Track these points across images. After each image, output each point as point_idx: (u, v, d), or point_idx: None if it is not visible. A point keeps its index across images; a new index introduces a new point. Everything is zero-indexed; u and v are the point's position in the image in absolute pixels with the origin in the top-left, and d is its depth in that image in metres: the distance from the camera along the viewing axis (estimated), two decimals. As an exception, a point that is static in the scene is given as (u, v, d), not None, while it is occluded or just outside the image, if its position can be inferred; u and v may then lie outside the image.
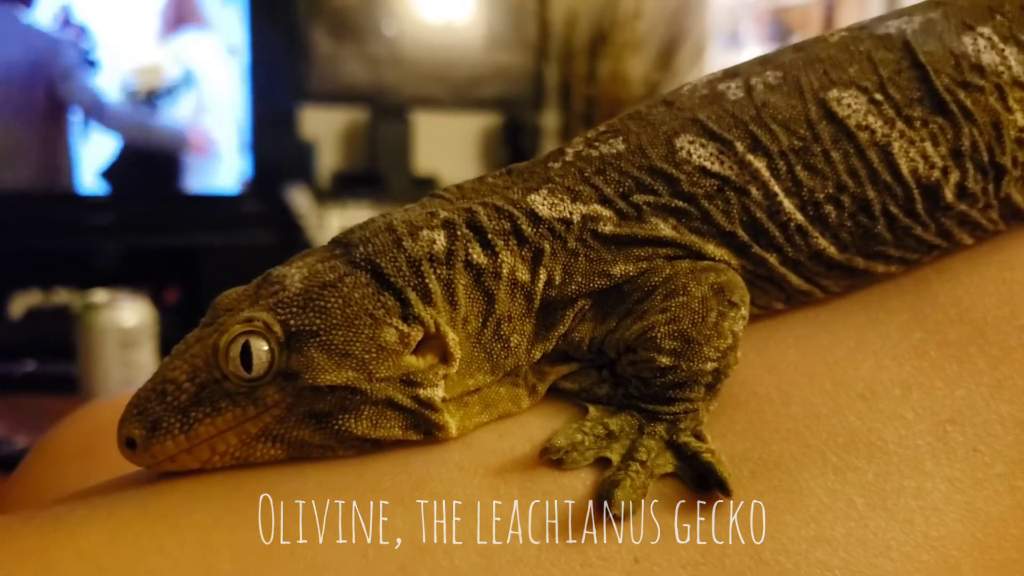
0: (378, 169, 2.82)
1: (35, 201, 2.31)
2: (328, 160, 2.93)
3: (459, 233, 0.29)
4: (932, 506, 0.29)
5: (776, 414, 0.30)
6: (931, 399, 0.30)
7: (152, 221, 2.47)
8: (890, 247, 0.31)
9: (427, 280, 0.29)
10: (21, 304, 1.81)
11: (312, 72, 2.89)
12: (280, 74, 2.70)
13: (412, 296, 0.28)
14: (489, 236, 0.30)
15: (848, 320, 0.32)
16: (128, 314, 1.23)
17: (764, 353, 0.31)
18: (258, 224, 2.54)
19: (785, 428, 0.30)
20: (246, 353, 0.28)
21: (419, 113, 2.98)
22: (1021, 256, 0.32)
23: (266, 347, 0.28)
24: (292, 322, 0.28)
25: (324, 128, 2.92)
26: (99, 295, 1.30)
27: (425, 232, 0.29)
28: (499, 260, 0.29)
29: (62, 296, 1.89)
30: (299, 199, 2.57)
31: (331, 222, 2.64)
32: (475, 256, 0.29)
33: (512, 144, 3.02)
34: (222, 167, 2.37)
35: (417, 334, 0.28)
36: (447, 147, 3.02)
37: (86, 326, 1.17)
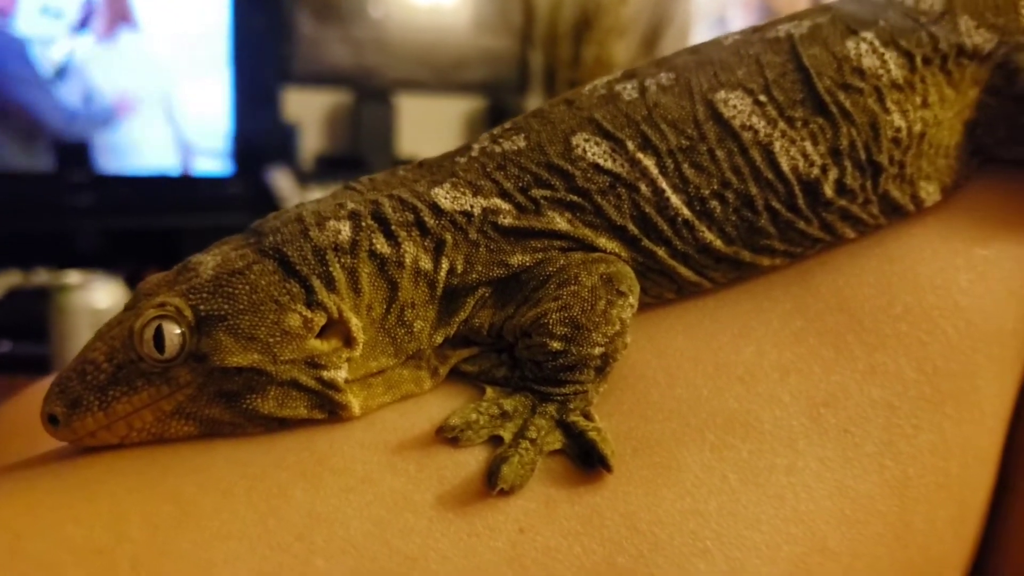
0: (361, 152, 2.83)
1: (16, 181, 2.31)
2: (311, 142, 2.94)
3: (364, 224, 0.31)
4: (803, 483, 0.31)
5: (661, 395, 0.32)
6: (807, 383, 0.32)
7: (134, 203, 2.48)
8: (775, 241, 0.33)
9: (331, 268, 0.30)
10: (1, 285, 1.82)
11: (296, 54, 2.89)
12: (263, 56, 2.71)
13: (316, 283, 0.30)
14: (393, 227, 0.31)
15: (734, 309, 0.34)
16: (101, 296, 1.25)
17: (654, 339, 0.33)
18: (240, 206, 2.55)
19: (668, 408, 0.32)
20: (159, 336, 0.29)
21: (403, 96, 2.98)
22: (900, 250, 0.34)
23: (178, 330, 0.30)
24: (202, 307, 0.30)
25: (307, 110, 2.92)
26: (72, 276, 1.31)
27: (332, 223, 0.31)
28: (402, 250, 0.31)
29: (42, 277, 1.90)
30: (281, 181, 2.58)
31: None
32: (379, 246, 0.31)
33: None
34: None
35: (320, 319, 0.30)
36: (431, 130, 3.03)
37: (59, 307, 1.19)
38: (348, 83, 2.93)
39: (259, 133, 2.65)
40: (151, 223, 2.47)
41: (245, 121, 2.61)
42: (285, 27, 2.84)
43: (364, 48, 2.98)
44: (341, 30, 2.94)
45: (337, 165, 2.82)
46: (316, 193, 2.59)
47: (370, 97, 2.91)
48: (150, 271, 0.33)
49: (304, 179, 2.65)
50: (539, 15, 3.19)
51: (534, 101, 3.18)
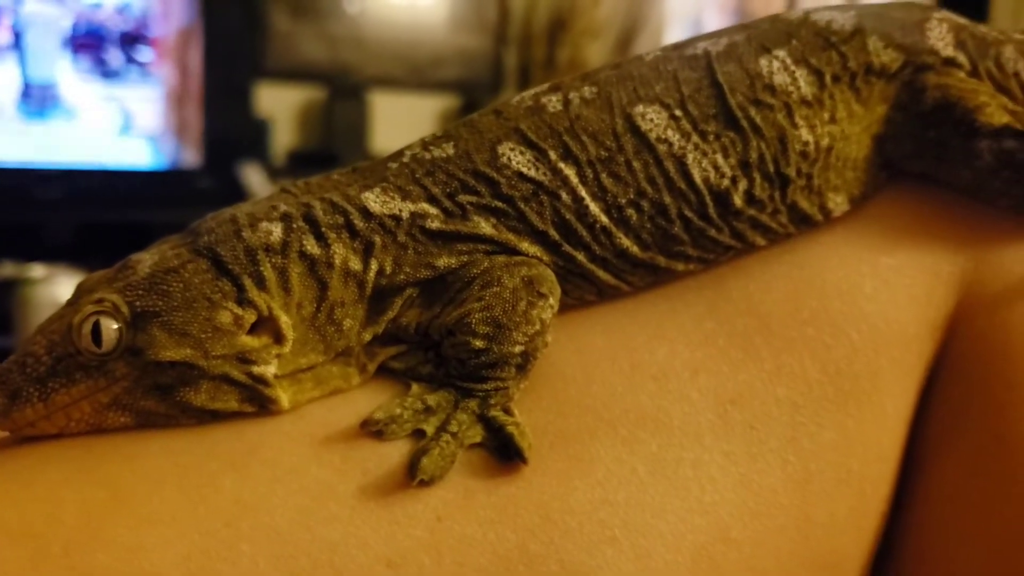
0: (334, 148, 2.83)
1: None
2: (284, 138, 2.93)
3: (295, 225, 0.33)
4: (708, 475, 0.33)
5: (579, 392, 0.34)
6: (716, 381, 0.34)
7: (104, 196, 2.47)
8: (688, 247, 0.35)
9: (262, 268, 0.32)
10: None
11: (269, 49, 2.89)
12: (236, 50, 2.71)
13: (247, 282, 0.32)
14: (323, 229, 0.33)
15: (651, 310, 0.36)
16: (65, 289, 1.25)
17: (574, 338, 0.35)
18: (211, 201, 2.54)
19: (584, 405, 0.33)
20: (97, 331, 0.31)
21: (377, 93, 2.99)
22: (809, 257, 0.36)
23: (115, 325, 0.31)
24: (138, 303, 0.31)
25: (280, 105, 2.92)
26: (37, 270, 1.32)
27: (264, 224, 0.33)
28: (332, 251, 0.33)
29: (8, 269, 1.90)
30: (252, 176, 2.58)
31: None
32: (309, 247, 0.33)
33: (469, 127, 3.05)
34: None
35: (250, 317, 0.32)
36: (404, 127, 3.03)
37: (23, 300, 1.19)
38: (322, 79, 2.93)
39: (231, 128, 2.65)
40: (120, 217, 2.46)
41: (217, 115, 2.61)
42: (259, 22, 2.83)
43: (338, 44, 2.98)
44: (316, 26, 2.94)
45: (309, 161, 2.81)
46: (287, 188, 2.60)
47: (343, 93, 2.91)
48: None
49: (276, 174, 2.65)
50: (514, 15, 3.20)
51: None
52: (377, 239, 0.33)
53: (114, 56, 2.68)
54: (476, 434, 0.32)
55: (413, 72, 3.09)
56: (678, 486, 0.32)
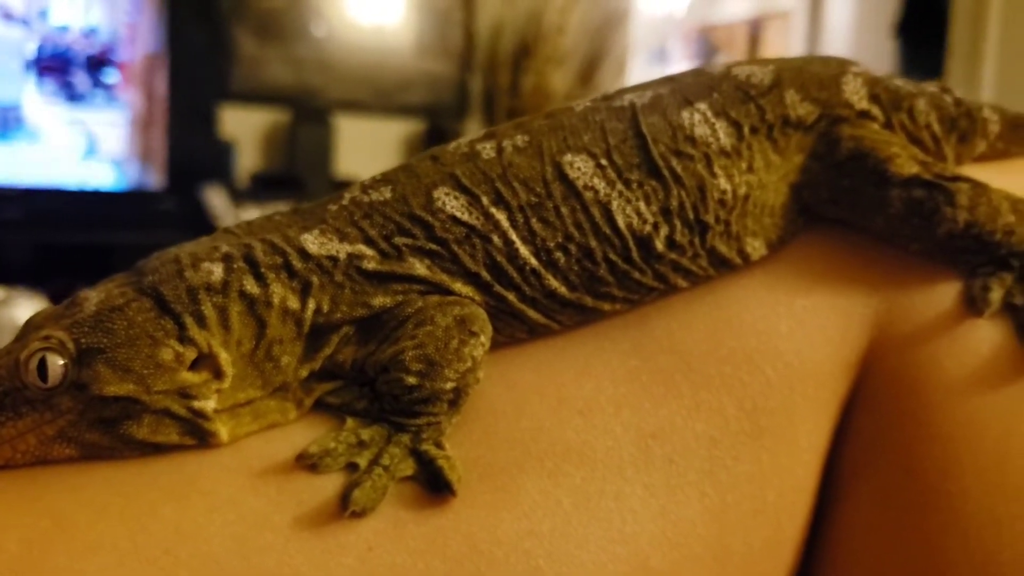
0: (297, 171, 2.84)
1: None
2: (248, 161, 2.94)
3: (235, 266, 0.34)
4: (629, 507, 0.34)
5: (508, 426, 0.35)
6: (638, 416, 0.36)
7: (65, 217, 2.46)
8: (614, 288, 0.37)
9: (203, 307, 0.33)
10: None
11: (235, 72, 2.89)
12: (202, 74, 2.71)
13: (188, 320, 0.33)
14: (262, 269, 0.34)
15: (579, 348, 0.37)
16: (23, 312, 1.25)
17: (506, 375, 0.37)
18: (173, 223, 2.55)
19: (513, 439, 0.35)
20: (43, 366, 0.32)
21: (341, 117, 3.00)
22: (729, 298, 0.38)
23: (61, 362, 0.32)
24: (83, 340, 0.32)
25: (244, 128, 2.92)
26: (-5, 292, 1.32)
27: (206, 264, 0.34)
28: (270, 290, 0.34)
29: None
30: (215, 199, 2.58)
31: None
32: (248, 286, 0.34)
33: (434, 151, 3.06)
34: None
35: (191, 354, 0.33)
36: (369, 151, 3.05)
37: (-22, 323, 1.19)
38: (286, 102, 2.94)
39: (195, 150, 2.66)
40: (84, 238, 2.45)
41: (181, 138, 2.62)
42: (224, 46, 2.84)
43: (304, 68, 2.99)
44: (281, 50, 2.95)
45: (273, 184, 2.82)
46: (251, 211, 2.59)
47: (308, 116, 2.92)
48: (80, 287, 0.36)
49: (239, 197, 2.65)
50: (479, 41, 3.23)
51: (473, 125, 3.22)
52: (315, 279, 0.35)
53: (80, 80, 2.68)
54: (408, 467, 0.33)
55: (378, 96, 3.11)
56: (600, 517, 0.34)
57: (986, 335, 0.37)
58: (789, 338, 0.37)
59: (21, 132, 2.59)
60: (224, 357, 0.33)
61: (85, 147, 2.67)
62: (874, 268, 0.39)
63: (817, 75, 0.40)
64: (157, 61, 2.66)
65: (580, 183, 0.36)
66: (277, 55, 2.96)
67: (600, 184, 0.36)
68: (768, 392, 0.36)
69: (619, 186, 0.36)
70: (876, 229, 0.38)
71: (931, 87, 0.42)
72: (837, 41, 4.74)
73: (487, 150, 0.37)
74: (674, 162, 0.37)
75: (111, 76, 2.71)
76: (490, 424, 0.35)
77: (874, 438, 0.37)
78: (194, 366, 0.33)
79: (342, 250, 0.35)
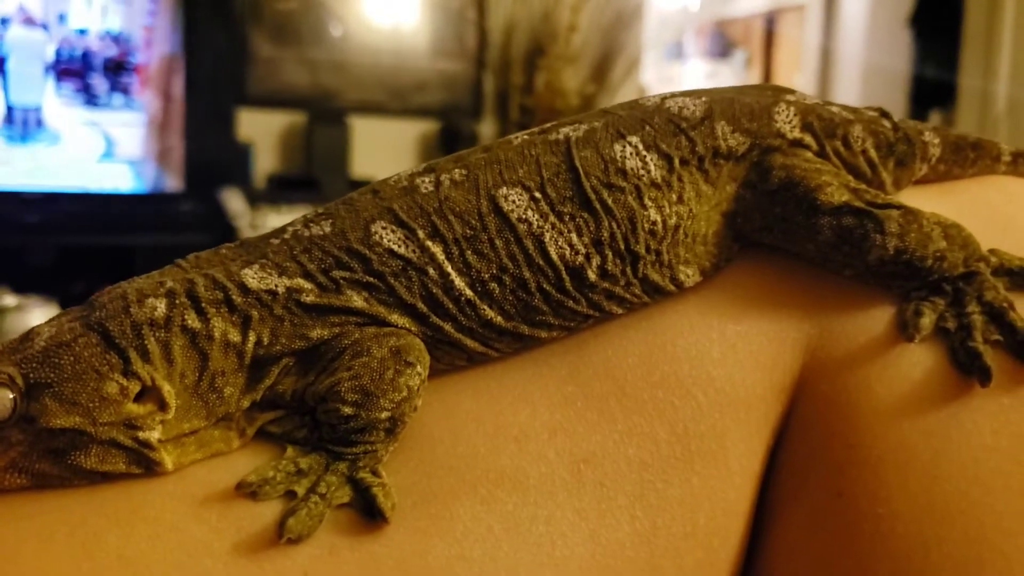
0: (314, 173, 2.86)
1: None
2: (265, 163, 2.96)
3: (178, 301, 0.36)
4: (559, 532, 0.35)
5: (444, 453, 0.36)
6: (571, 442, 0.37)
7: (83, 220, 2.50)
8: (549, 317, 0.38)
9: (146, 342, 0.35)
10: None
11: (251, 75, 2.92)
12: (218, 76, 2.74)
13: (133, 355, 0.35)
14: (203, 304, 0.36)
15: (517, 374, 0.39)
16: (37, 319, 1.28)
17: (444, 401, 0.38)
18: (191, 225, 2.58)
19: (449, 465, 0.36)
20: None
21: (357, 118, 3.01)
22: (663, 325, 0.39)
23: (11, 395, 0.34)
24: (32, 375, 0.34)
25: (261, 131, 2.95)
26: (8, 299, 1.34)
27: (150, 300, 0.36)
28: (211, 325, 0.36)
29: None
30: (233, 201, 2.61)
31: (266, 224, 2.66)
32: (190, 321, 0.35)
33: (449, 151, 3.06)
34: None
35: (135, 387, 0.34)
36: (384, 152, 3.06)
37: (-11, 331, 1.22)
38: (303, 104, 2.96)
39: (212, 152, 2.68)
40: (102, 240, 2.49)
41: (199, 140, 2.64)
42: (241, 49, 2.87)
43: (320, 70, 3.01)
44: (297, 52, 2.97)
45: (290, 186, 2.84)
46: (269, 213, 2.61)
47: (324, 118, 2.94)
48: (100, 289, 0.37)
49: (256, 199, 2.67)
50: (492, 41, 3.24)
51: (487, 125, 3.23)
52: (255, 313, 0.36)
53: (98, 82, 2.71)
54: (344, 495, 0.35)
55: (394, 97, 3.12)
56: (531, 542, 0.35)
57: (918, 359, 0.38)
58: (721, 363, 0.38)
59: (42, 135, 2.62)
60: (167, 389, 0.35)
61: (103, 150, 2.70)
62: (807, 293, 0.39)
63: (749, 106, 0.40)
64: (174, 64, 2.69)
65: (514, 216, 0.37)
66: (293, 57, 2.98)
67: (533, 217, 0.37)
68: (699, 416, 0.37)
69: (552, 218, 0.37)
70: (809, 255, 0.39)
71: (870, 112, 0.43)
72: (852, 33, 4.71)
73: (425, 184, 0.38)
74: (605, 194, 0.38)
75: (129, 79, 2.73)
76: (427, 451, 0.37)
77: (806, 462, 0.38)
78: (139, 398, 0.35)
79: (281, 284, 0.36)
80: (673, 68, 6.09)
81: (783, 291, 0.40)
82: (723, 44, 5.92)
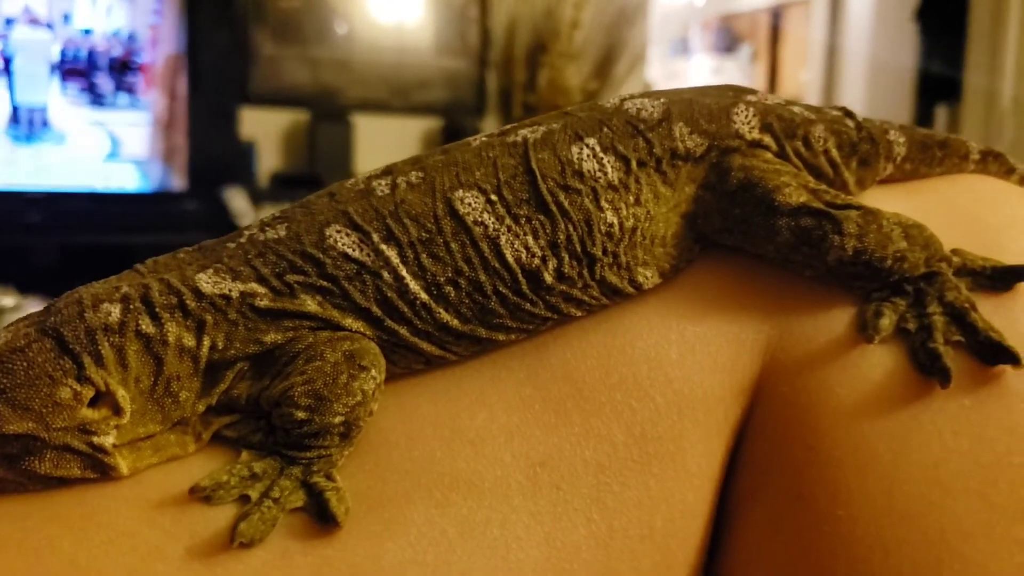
0: (317, 171, 2.86)
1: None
2: (268, 161, 2.97)
3: (132, 306, 0.36)
4: (514, 535, 0.35)
5: (400, 457, 0.36)
6: (528, 445, 0.37)
7: (88, 219, 2.51)
8: (507, 320, 0.38)
9: (100, 347, 0.35)
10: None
11: (254, 74, 2.92)
12: (221, 75, 2.75)
13: (87, 360, 0.35)
14: (157, 309, 0.36)
15: (475, 377, 0.39)
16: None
17: (402, 405, 0.38)
18: (195, 224, 2.59)
19: (405, 470, 0.36)
20: None
21: (360, 116, 3.02)
22: (622, 327, 0.39)
23: None
24: None
25: (264, 129, 2.96)
26: (6, 299, 1.35)
27: (105, 305, 0.36)
28: (165, 330, 0.36)
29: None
30: (236, 200, 2.61)
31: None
32: (144, 326, 0.36)
33: (452, 149, 3.07)
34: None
35: (89, 392, 0.35)
36: (387, 150, 3.06)
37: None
38: (305, 103, 2.97)
39: (215, 151, 2.69)
40: (105, 240, 2.49)
41: (202, 139, 2.65)
42: (244, 47, 2.87)
43: (322, 68, 3.01)
44: (300, 50, 2.97)
45: (293, 184, 2.85)
46: (271, 211, 2.62)
47: (327, 116, 2.94)
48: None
49: (259, 198, 2.68)
50: (495, 38, 3.24)
51: (490, 123, 3.23)
52: (209, 317, 0.36)
53: (103, 82, 2.71)
54: (298, 499, 0.35)
55: (397, 95, 3.12)
56: (485, 546, 0.35)
57: (878, 361, 0.37)
58: (680, 365, 0.38)
59: (47, 135, 2.63)
60: (122, 394, 0.35)
61: (108, 149, 2.71)
62: (768, 294, 0.39)
63: (707, 107, 0.40)
64: (179, 62, 2.69)
65: (470, 219, 0.37)
66: (296, 56, 2.98)
67: (489, 219, 0.37)
68: (657, 419, 0.37)
69: (508, 221, 0.37)
70: (769, 257, 0.39)
71: (834, 112, 0.43)
72: (858, 29, 4.70)
73: (382, 187, 0.38)
74: (562, 197, 0.38)
75: (134, 79, 2.74)
76: (383, 455, 0.37)
77: (766, 464, 0.38)
78: (94, 403, 0.35)
79: (235, 288, 0.36)
80: (679, 63, 6.08)
81: (743, 292, 0.40)
82: (729, 39, 5.91)
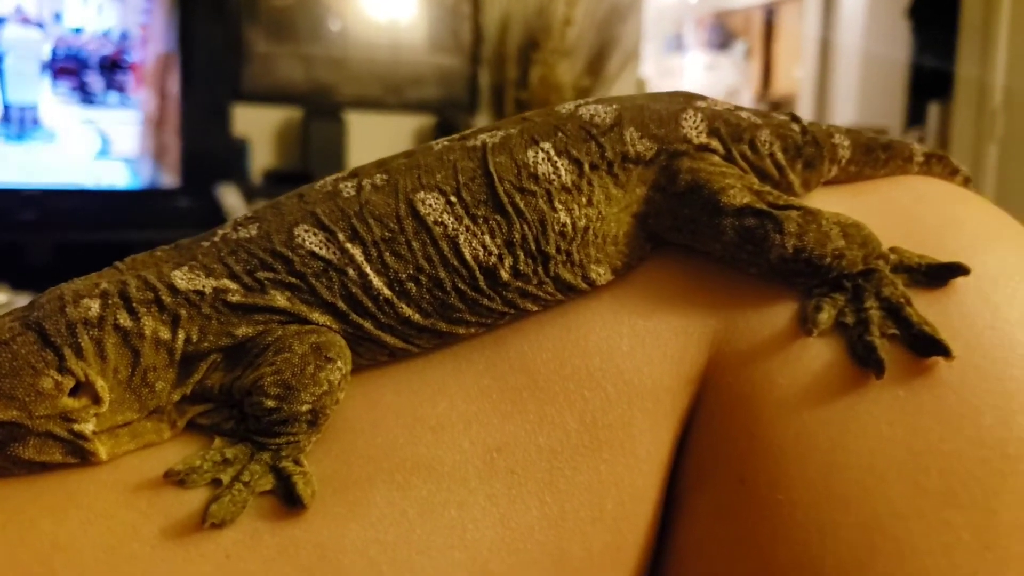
0: (310, 168, 2.88)
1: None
2: (261, 158, 2.98)
3: (111, 302, 0.38)
4: (471, 516, 0.37)
5: (365, 443, 0.39)
6: (485, 432, 0.39)
7: (80, 217, 2.52)
8: (466, 314, 0.40)
9: (80, 340, 0.37)
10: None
11: (247, 71, 2.94)
12: (213, 73, 2.76)
13: (67, 352, 0.37)
14: (134, 304, 0.38)
15: (437, 368, 0.41)
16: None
17: (367, 395, 0.40)
18: (188, 221, 2.60)
19: (368, 455, 0.38)
20: None
21: (353, 113, 3.03)
22: (577, 321, 0.41)
23: None
24: None
25: (257, 126, 2.97)
26: (-2, 297, 1.36)
27: (85, 300, 0.38)
28: (142, 323, 0.38)
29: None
30: (229, 197, 2.63)
31: (261, 220, 2.66)
32: (122, 320, 0.38)
33: (444, 145, 3.09)
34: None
35: (69, 382, 0.37)
36: (380, 147, 3.06)
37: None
38: (298, 100, 2.98)
39: (208, 148, 2.71)
40: (97, 237, 2.51)
41: (194, 136, 2.67)
42: (236, 44, 2.89)
43: (315, 65, 3.03)
44: (293, 47, 2.99)
45: (286, 181, 2.85)
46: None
47: (320, 113, 2.96)
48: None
49: (252, 195, 2.69)
50: (487, 35, 3.25)
51: (483, 119, 3.24)
52: (183, 312, 0.38)
53: (94, 81, 2.73)
54: (267, 482, 0.37)
55: (390, 92, 3.14)
56: (443, 526, 0.37)
57: (818, 353, 0.39)
58: (630, 357, 0.40)
59: (38, 133, 2.65)
60: (101, 384, 0.37)
61: (99, 147, 2.72)
62: (715, 290, 0.41)
63: (657, 112, 0.42)
64: (170, 61, 2.71)
65: (430, 219, 0.39)
66: (288, 53, 2.99)
67: (449, 220, 0.39)
68: (607, 407, 0.39)
69: (466, 221, 0.39)
70: (716, 254, 0.41)
71: (781, 117, 0.45)
72: (851, 24, 4.72)
73: (348, 188, 0.40)
74: (517, 198, 0.40)
75: (125, 77, 2.75)
76: (348, 441, 0.39)
77: (711, 451, 0.40)
78: (74, 393, 0.37)
79: (208, 284, 0.39)
80: (673, 60, 6.10)
81: (692, 288, 0.42)
82: (723, 35, 5.93)
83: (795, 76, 5.42)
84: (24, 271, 2.28)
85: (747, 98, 5.91)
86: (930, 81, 3.79)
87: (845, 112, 4.66)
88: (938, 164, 0.48)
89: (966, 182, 0.49)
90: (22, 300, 1.36)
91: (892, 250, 0.41)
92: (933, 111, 4.03)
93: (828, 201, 0.43)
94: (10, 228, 2.36)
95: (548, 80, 3.16)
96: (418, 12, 3.14)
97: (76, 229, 2.49)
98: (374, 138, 3.08)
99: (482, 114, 3.26)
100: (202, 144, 2.68)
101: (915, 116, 4.20)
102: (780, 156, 0.43)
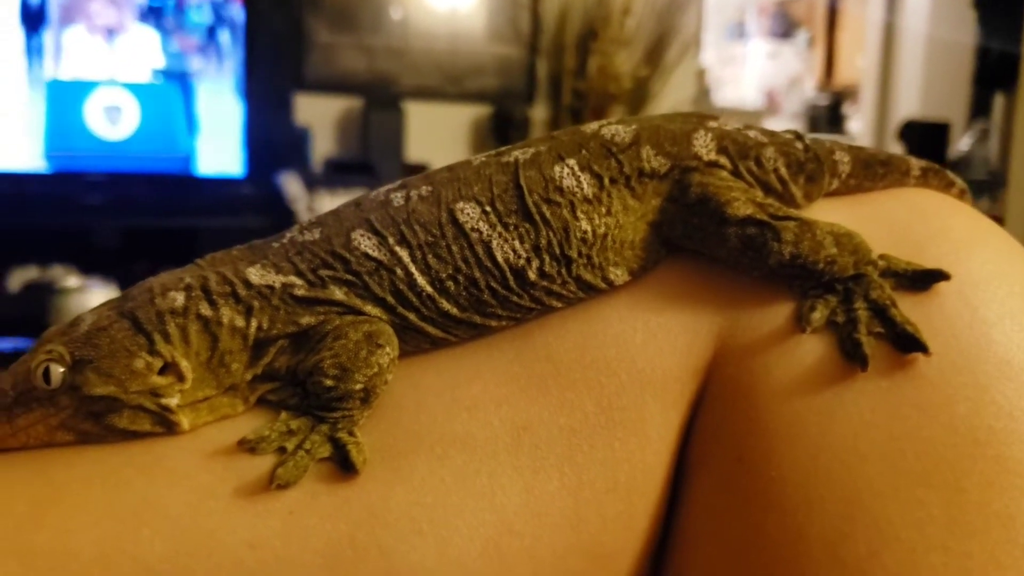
0: (370, 157, 2.93)
1: (37, 180, 2.42)
2: (322, 147, 3.04)
3: (193, 294, 0.44)
4: (499, 484, 0.43)
5: (409, 420, 0.44)
6: (514, 412, 0.44)
7: (150, 203, 2.60)
8: (498, 309, 0.45)
9: (167, 327, 0.43)
10: (19, 279, 1.97)
11: (309, 60, 3.00)
12: (277, 62, 2.83)
13: (157, 337, 0.43)
14: (214, 296, 0.44)
15: (472, 356, 0.46)
16: (97, 299, 1.38)
17: (412, 377, 0.46)
18: (252, 208, 2.68)
19: (412, 429, 0.44)
20: (47, 372, 0.42)
21: (413, 103, 3.08)
22: (596, 316, 0.46)
23: (60, 369, 0.42)
24: (77, 353, 0.42)
25: (319, 115, 3.03)
26: (71, 280, 1.45)
27: (171, 292, 0.44)
28: (220, 313, 0.44)
29: (57, 273, 2.04)
30: (291, 185, 2.70)
31: (322, 207, 2.74)
32: (203, 310, 0.44)
33: (501, 135, 3.13)
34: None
35: (158, 363, 0.43)
36: (438, 137, 3.13)
37: (56, 308, 1.33)
38: (359, 89, 3.03)
39: (271, 137, 2.78)
40: (164, 223, 2.59)
41: (258, 125, 2.74)
42: (299, 34, 2.95)
43: (376, 55, 3.08)
44: (355, 38, 3.05)
45: (346, 170, 2.91)
46: (325, 197, 2.69)
47: (380, 103, 3.01)
48: (162, 271, 0.46)
49: (314, 183, 2.75)
50: (545, 25, 3.27)
51: (540, 110, 3.27)
52: (256, 303, 0.44)
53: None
54: (326, 450, 0.43)
55: (449, 82, 3.18)
56: (475, 492, 0.43)
57: (811, 348, 0.44)
58: (643, 348, 0.45)
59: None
60: (185, 365, 0.43)
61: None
62: (721, 291, 0.46)
63: (671, 132, 0.47)
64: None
65: (468, 226, 0.45)
66: (350, 43, 3.05)
67: (484, 226, 0.45)
68: (622, 392, 0.45)
69: (499, 228, 0.45)
70: (722, 259, 0.46)
71: (786, 135, 0.49)
72: (916, 12, 4.65)
73: (398, 198, 0.46)
74: (544, 208, 0.45)
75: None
76: (395, 417, 0.44)
77: (714, 433, 0.45)
78: (162, 372, 0.43)
79: (277, 280, 0.45)
80: (735, 48, 6.06)
81: (700, 289, 0.47)
82: (786, 24, 5.88)
83: (858, 66, 5.36)
84: (92, 255, 2.36)
85: (809, 87, 5.86)
86: (996, 72, 3.74)
87: (908, 103, 4.59)
88: (935, 177, 0.52)
89: (962, 194, 0.53)
90: (93, 283, 1.45)
91: (881, 257, 0.46)
92: (998, 105, 3.98)
93: (828, 211, 0.48)
94: (79, 213, 2.43)
95: (606, 70, 3.18)
96: (477, 2, 3.18)
97: (143, 215, 2.58)
98: (432, 127, 3.13)
99: (539, 104, 3.29)
100: (265, 132, 2.75)
101: (980, 107, 4.15)
102: (784, 171, 0.48)
